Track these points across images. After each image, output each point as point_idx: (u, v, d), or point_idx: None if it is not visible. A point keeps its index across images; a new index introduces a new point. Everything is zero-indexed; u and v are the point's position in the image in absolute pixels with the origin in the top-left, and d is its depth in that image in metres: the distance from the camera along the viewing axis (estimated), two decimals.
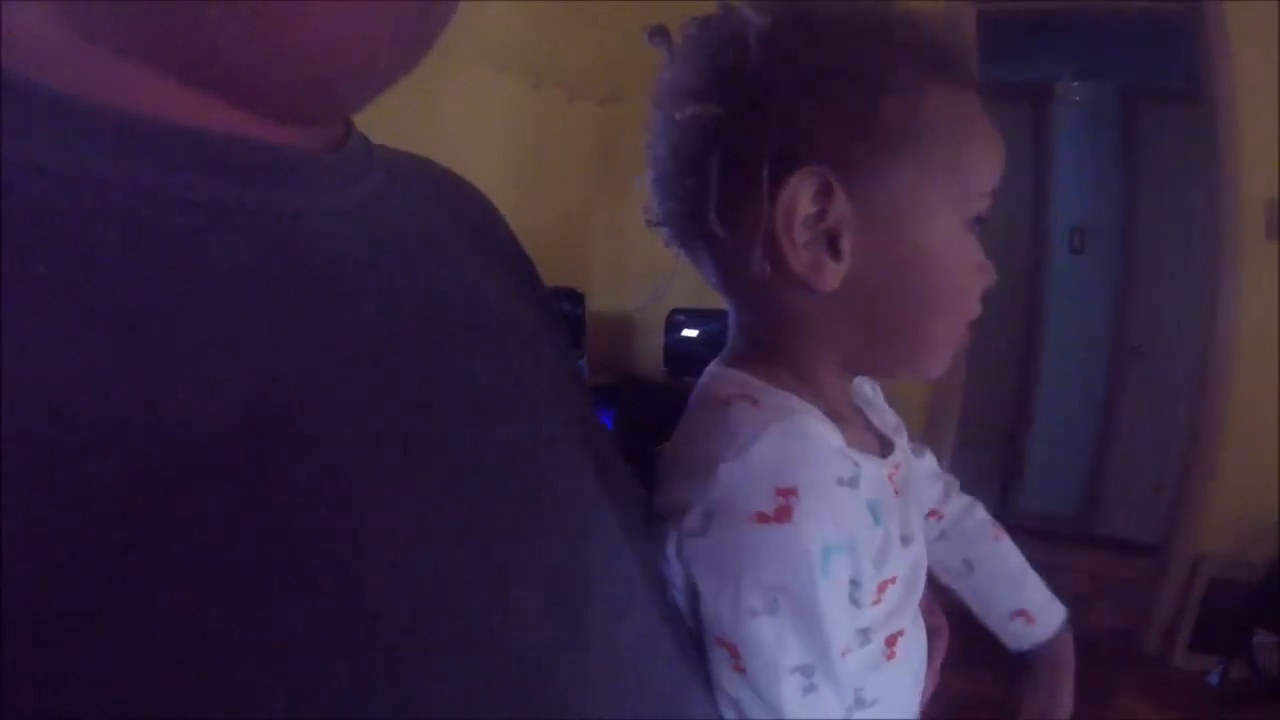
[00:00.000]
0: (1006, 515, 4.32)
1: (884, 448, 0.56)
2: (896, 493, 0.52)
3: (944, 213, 0.50)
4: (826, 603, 0.42)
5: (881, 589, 0.49)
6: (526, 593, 0.31)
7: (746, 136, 0.47)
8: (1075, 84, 4.26)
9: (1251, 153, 2.61)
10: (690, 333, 3.00)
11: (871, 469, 0.49)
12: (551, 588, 0.33)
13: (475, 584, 0.29)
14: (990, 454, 4.29)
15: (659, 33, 0.52)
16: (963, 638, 0.63)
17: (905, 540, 0.52)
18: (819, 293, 0.48)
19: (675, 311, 2.97)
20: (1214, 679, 2.65)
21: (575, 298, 2.86)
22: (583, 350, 2.85)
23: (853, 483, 0.45)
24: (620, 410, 2.62)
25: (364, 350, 0.30)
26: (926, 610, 0.63)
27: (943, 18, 0.52)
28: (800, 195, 0.46)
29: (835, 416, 0.49)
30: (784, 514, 0.41)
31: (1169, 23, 2.97)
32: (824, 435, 0.46)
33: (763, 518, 0.41)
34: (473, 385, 0.35)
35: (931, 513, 0.66)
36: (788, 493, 0.42)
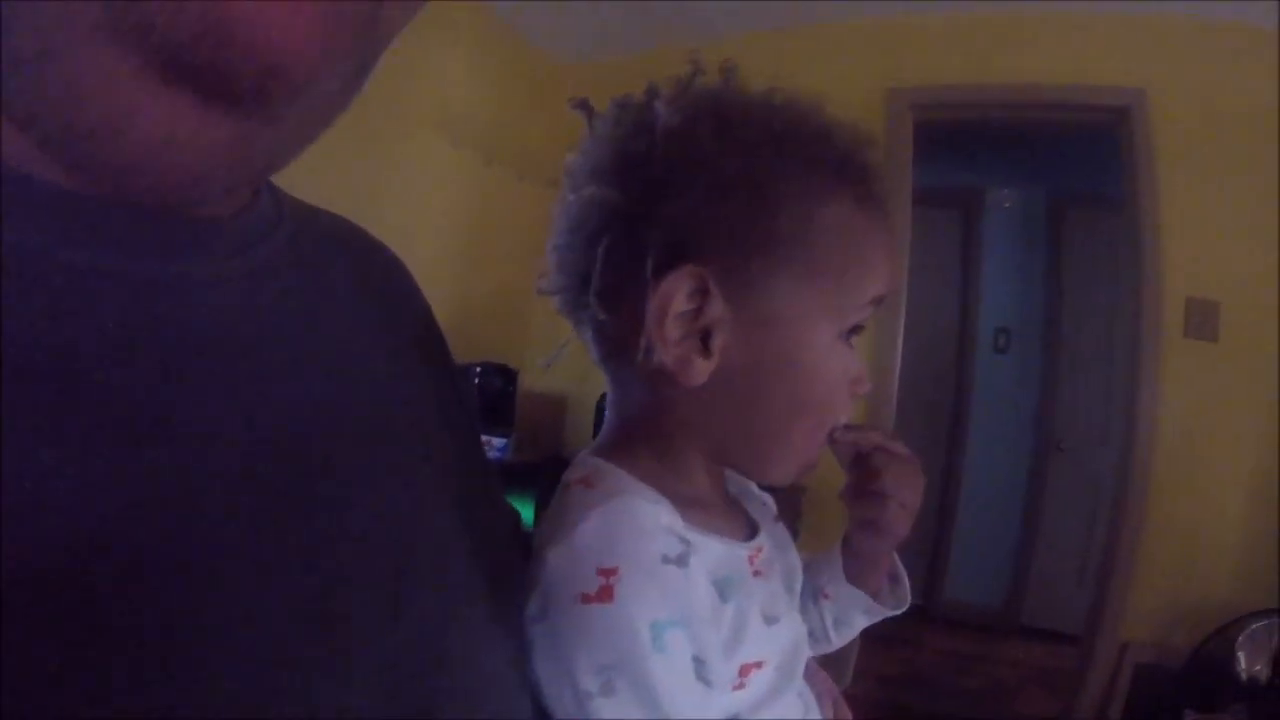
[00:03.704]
0: (933, 608, 4.36)
1: (751, 532, 0.56)
2: (757, 574, 0.53)
3: (821, 322, 0.51)
4: (663, 679, 0.42)
5: (745, 672, 0.49)
6: (370, 678, 0.31)
7: (637, 227, 0.48)
8: (1005, 191, 4.49)
9: (1172, 254, 2.76)
10: None
11: (716, 548, 0.49)
12: (397, 675, 0.32)
13: (316, 665, 0.29)
14: (915, 548, 4.34)
15: (582, 105, 0.54)
16: None
17: (769, 620, 0.51)
18: (685, 387, 0.49)
19: (605, 395, 2.95)
20: None
21: (508, 374, 2.83)
22: (511, 427, 2.81)
23: (680, 560, 0.45)
24: (544, 491, 2.60)
25: (227, 425, 0.29)
26: (832, 704, 0.63)
27: (859, 133, 0.54)
28: (676, 293, 0.47)
29: (690, 500, 0.50)
30: (606, 593, 0.42)
31: (1095, 133, 3.16)
32: (650, 514, 0.46)
33: (586, 598, 0.42)
34: (338, 465, 0.34)
35: (824, 595, 0.66)
36: (609, 572, 0.42)
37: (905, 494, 0.60)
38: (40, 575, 0.22)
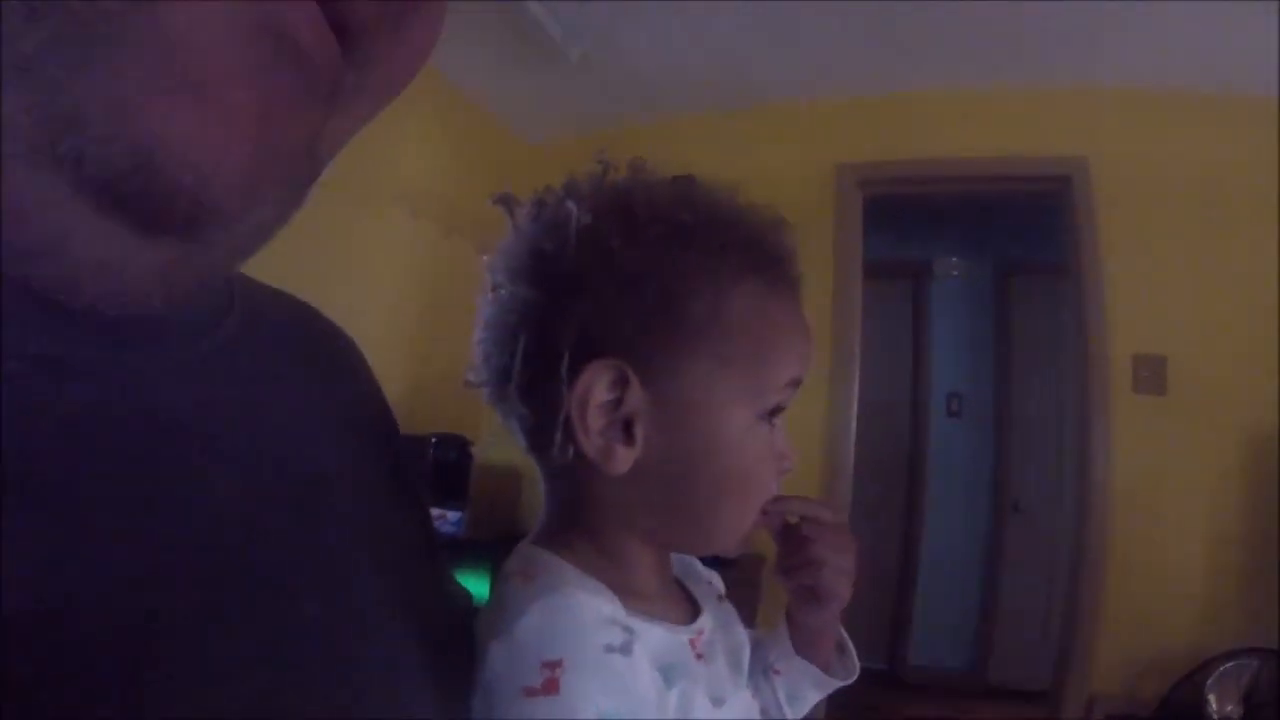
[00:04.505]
0: (900, 674, 4.33)
1: (693, 615, 0.57)
2: (699, 657, 0.53)
3: (737, 407, 0.52)
4: None
5: None
6: None
7: (553, 322, 0.50)
8: (953, 260, 4.62)
9: (1117, 312, 2.87)
10: None
11: (658, 635, 0.50)
12: None
13: None
14: (879, 614, 4.32)
15: (503, 200, 0.56)
16: None
17: (716, 702, 0.52)
18: (611, 475, 0.50)
19: None
20: None
21: (463, 445, 2.79)
22: (466, 500, 2.77)
23: (624, 649, 0.45)
24: (499, 566, 2.55)
25: (170, 514, 0.29)
26: None
27: (772, 217, 0.56)
28: (595, 384, 0.49)
29: (629, 587, 0.51)
30: (551, 686, 0.42)
31: (1038, 202, 3.29)
32: (591, 606, 0.46)
33: (531, 692, 0.42)
34: (281, 557, 0.33)
35: (774, 670, 0.66)
36: (553, 665, 0.42)
37: (838, 558, 0.60)
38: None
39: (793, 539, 0.60)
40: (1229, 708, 2.45)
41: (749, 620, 0.64)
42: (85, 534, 0.26)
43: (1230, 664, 2.49)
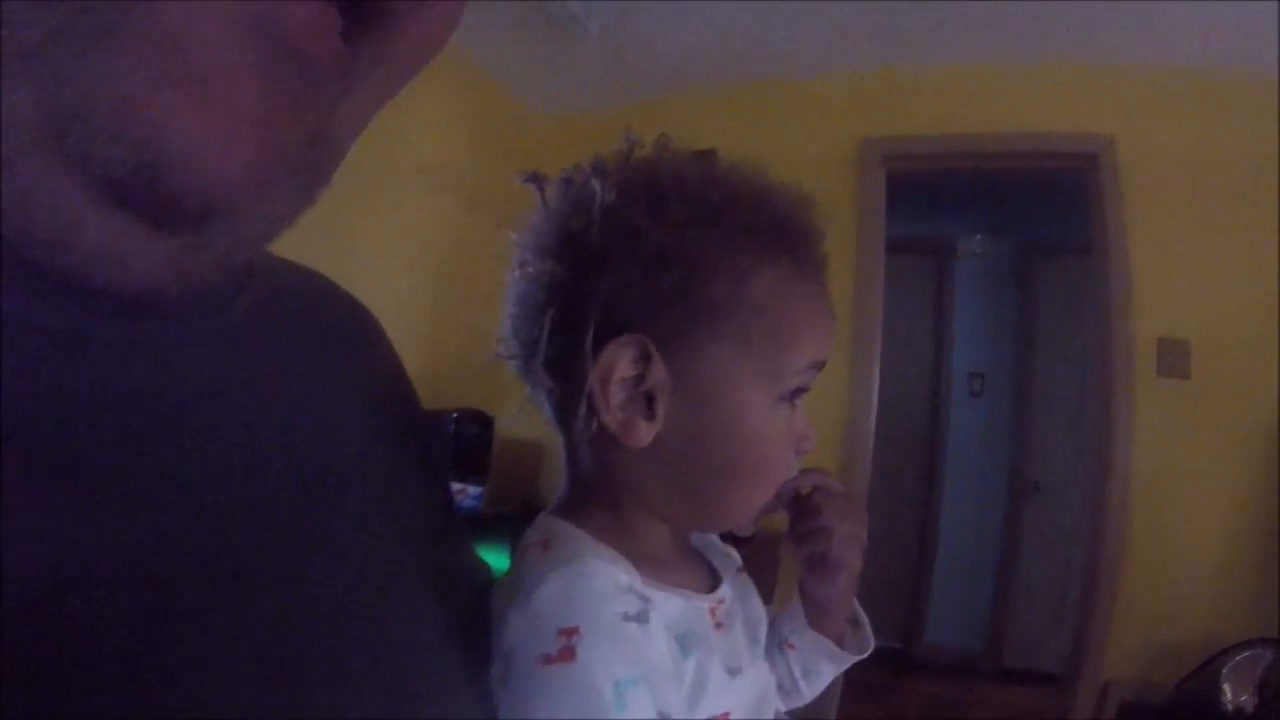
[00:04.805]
0: (913, 653, 4.34)
1: (713, 584, 0.58)
2: (719, 625, 0.54)
3: (756, 389, 0.52)
4: None
5: None
6: None
7: (580, 298, 0.51)
8: (977, 238, 4.57)
9: (1142, 295, 2.83)
10: None
11: (676, 603, 0.51)
12: None
13: None
14: (894, 593, 4.33)
15: (533, 178, 0.57)
16: None
17: (732, 672, 0.52)
18: (630, 448, 0.51)
19: None
20: None
21: (484, 421, 2.79)
22: (487, 475, 2.78)
23: (640, 617, 0.46)
24: (519, 541, 2.56)
25: (186, 490, 0.29)
26: None
27: (799, 197, 0.56)
28: (619, 359, 0.50)
29: (647, 557, 0.52)
30: (567, 654, 0.43)
31: (1063, 181, 3.24)
32: (609, 574, 0.47)
33: (548, 659, 0.43)
34: (299, 533, 0.33)
35: (788, 644, 0.66)
36: (570, 633, 0.43)
37: (847, 525, 0.60)
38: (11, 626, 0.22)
39: (803, 508, 0.60)
40: (1243, 698, 2.44)
41: (766, 597, 0.64)
42: (86, 521, 0.26)
43: (1245, 654, 2.48)
